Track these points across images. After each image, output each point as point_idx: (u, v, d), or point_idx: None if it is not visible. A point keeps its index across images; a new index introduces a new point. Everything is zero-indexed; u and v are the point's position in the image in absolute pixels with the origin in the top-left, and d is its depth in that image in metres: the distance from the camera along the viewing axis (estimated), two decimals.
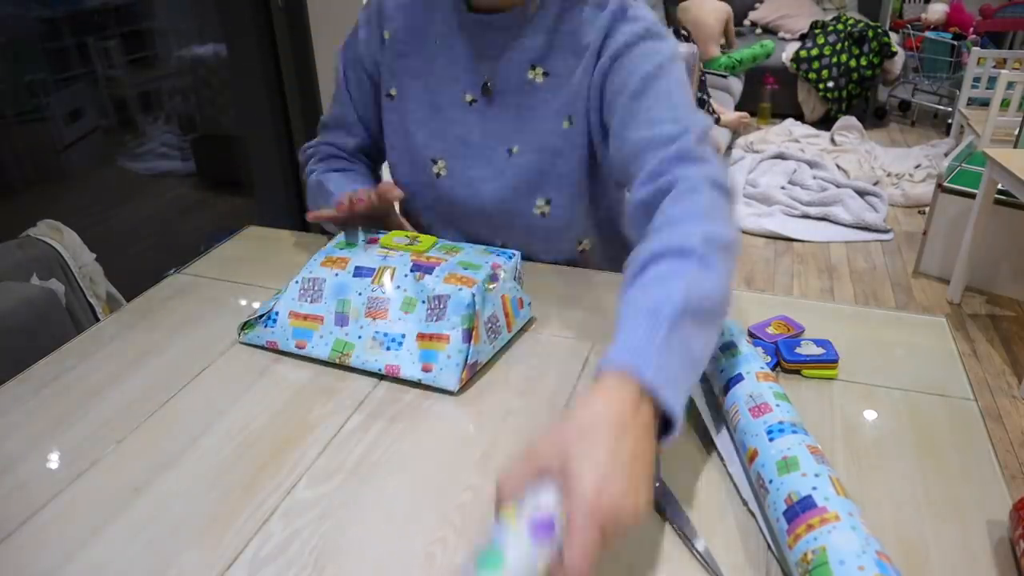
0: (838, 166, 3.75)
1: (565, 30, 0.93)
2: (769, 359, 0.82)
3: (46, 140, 1.68)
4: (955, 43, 4.38)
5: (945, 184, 2.76)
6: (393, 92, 1.02)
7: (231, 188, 2.36)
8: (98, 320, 1.39)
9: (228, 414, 0.76)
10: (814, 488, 0.55)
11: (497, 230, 1.03)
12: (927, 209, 2.93)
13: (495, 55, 0.96)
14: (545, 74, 0.95)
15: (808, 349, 0.81)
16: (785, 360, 0.81)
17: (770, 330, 0.87)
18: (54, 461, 0.71)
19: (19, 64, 1.60)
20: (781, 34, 4.88)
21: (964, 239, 2.57)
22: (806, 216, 3.34)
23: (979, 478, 0.66)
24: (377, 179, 1.15)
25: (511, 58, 0.95)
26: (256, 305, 0.96)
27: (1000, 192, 2.51)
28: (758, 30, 5.06)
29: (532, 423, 0.74)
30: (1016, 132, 2.87)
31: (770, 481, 0.59)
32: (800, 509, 0.55)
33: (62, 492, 0.67)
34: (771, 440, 0.62)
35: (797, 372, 0.81)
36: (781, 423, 0.63)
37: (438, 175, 1.01)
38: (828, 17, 4.75)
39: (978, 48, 3.92)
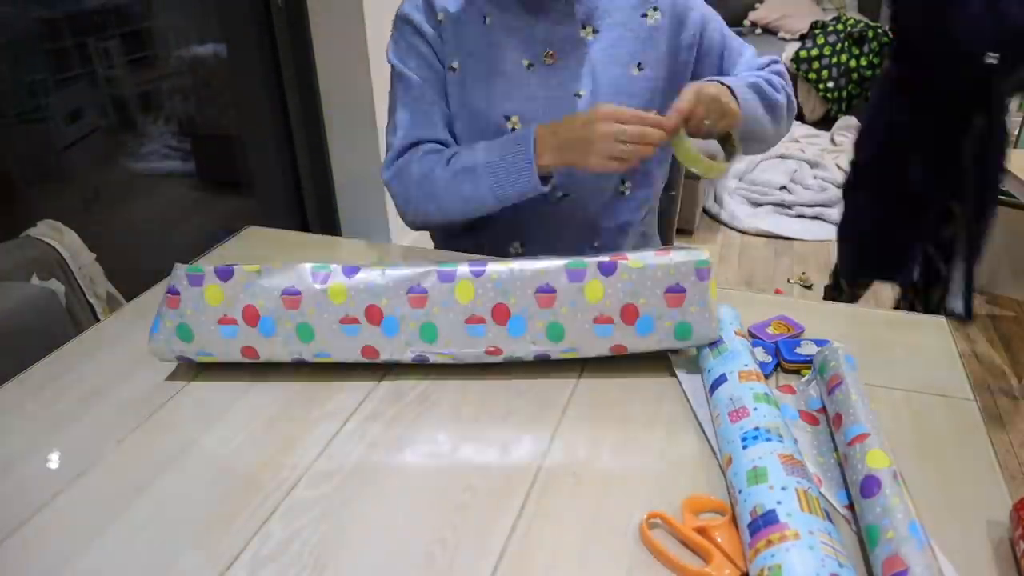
0: (838, 166, 3.75)
1: None
2: (769, 359, 0.82)
3: (46, 140, 1.68)
4: None
5: None
6: (455, 65, 1.05)
7: (231, 188, 2.36)
8: (98, 320, 1.39)
9: (228, 414, 0.76)
10: (779, 502, 0.56)
11: (571, 175, 1.05)
12: None
13: (544, 26, 1.03)
14: (595, 31, 1.04)
15: (808, 349, 0.82)
16: (785, 360, 0.81)
17: (770, 330, 0.87)
18: (54, 461, 0.71)
19: (19, 64, 1.59)
20: (781, 34, 4.88)
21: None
22: (801, 216, 3.34)
23: (979, 478, 0.66)
24: None
25: (562, 25, 1.03)
26: None
27: (1000, 192, 2.50)
28: (758, 30, 5.05)
29: (532, 423, 0.74)
30: (1016, 132, 2.87)
31: (740, 491, 0.60)
32: (763, 523, 0.55)
33: (62, 492, 0.67)
34: (744, 448, 0.62)
35: (797, 372, 0.81)
36: (756, 429, 0.63)
37: (513, 129, 1.03)
38: (828, 17, 4.75)
39: None
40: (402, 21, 1.06)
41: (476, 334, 0.77)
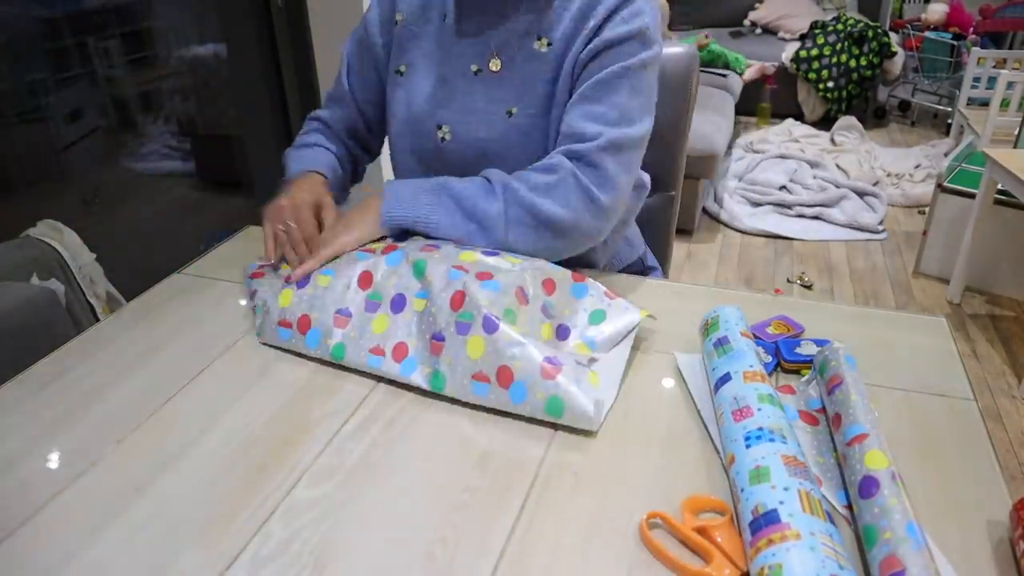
0: (838, 166, 3.75)
1: (571, 3, 0.97)
2: (769, 359, 0.82)
3: (46, 140, 1.68)
4: (955, 43, 4.38)
5: (945, 184, 2.76)
6: (402, 69, 1.05)
7: (231, 188, 2.36)
8: (98, 320, 1.39)
9: (228, 414, 0.76)
10: (781, 502, 0.56)
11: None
12: (927, 209, 2.93)
13: (501, 28, 0.99)
14: (549, 44, 0.98)
15: (808, 349, 0.82)
16: (785, 360, 0.81)
17: (770, 330, 0.87)
18: (54, 461, 0.71)
19: (19, 64, 1.59)
20: (781, 34, 4.88)
21: (964, 239, 2.57)
22: (800, 216, 3.34)
23: (979, 478, 0.66)
24: (351, 166, 1.20)
25: (516, 30, 0.99)
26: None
27: (1000, 192, 2.51)
28: (758, 30, 5.05)
29: (532, 423, 0.74)
30: (1016, 132, 2.87)
31: (742, 489, 0.60)
32: (764, 522, 0.55)
33: (62, 492, 0.67)
34: (747, 447, 0.62)
35: (797, 372, 0.81)
36: (760, 429, 0.63)
37: (443, 139, 1.03)
38: (828, 17, 4.75)
39: (978, 48, 3.92)
40: (361, 21, 1.10)
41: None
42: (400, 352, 0.80)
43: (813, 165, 3.73)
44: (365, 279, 0.86)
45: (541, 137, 1.01)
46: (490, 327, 0.76)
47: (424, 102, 1.04)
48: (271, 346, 0.87)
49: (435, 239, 0.94)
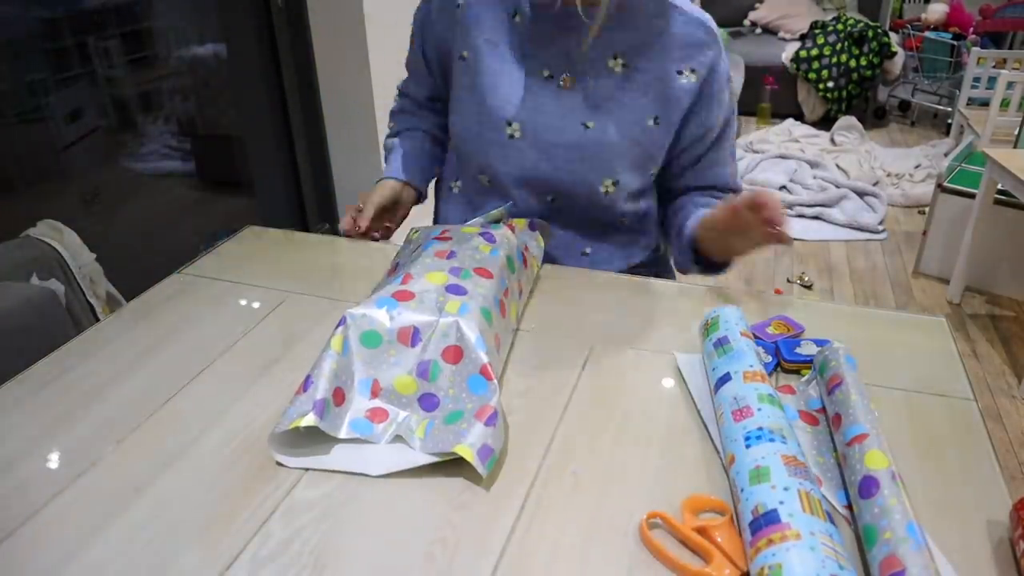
0: (838, 166, 3.75)
1: (655, 34, 0.99)
2: (769, 359, 0.82)
3: (46, 140, 1.68)
4: (955, 43, 4.38)
5: (945, 184, 2.76)
6: (466, 54, 1.04)
7: (231, 188, 2.36)
8: (98, 320, 1.39)
9: (228, 414, 0.76)
10: (781, 502, 0.56)
11: (558, 198, 1.06)
12: (927, 209, 2.93)
13: (576, 39, 0.98)
14: (624, 66, 0.99)
15: (808, 349, 0.82)
16: (785, 360, 0.81)
17: (770, 330, 0.87)
18: (54, 461, 0.71)
19: (19, 64, 1.59)
20: (781, 34, 4.88)
21: (964, 239, 2.57)
22: (801, 216, 3.34)
23: (979, 478, 0.66)
24: (442, 137, 1.22)
25: (592, 44, 0.98)
26: (256, 305, 0.96)
27: (1000, 192, 2.51)
28: (758, 30, 5.05)
29: (532, 423, 0.74)
30: (1016, 132, 2.87)
31: (742, 489, 0.60)
32: (764, 522, 0.55)
33: (62, 492, 0.67)
34: (747, 447, 0.62)
35: (797, 372, 0.81)
36: (760, 429, 0.63)
37: (511, 136, 1.03)
38: (828, 17, 4.75)
39: (978, 48, 3.92)
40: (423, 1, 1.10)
41: None
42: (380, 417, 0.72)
43: (813, 165, 3.73)
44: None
45: (618, 159, 1.02)
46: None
47: (492, 93, 1.02)
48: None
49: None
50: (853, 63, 4.41)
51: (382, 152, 1.23)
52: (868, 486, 0.58)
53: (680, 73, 1.00)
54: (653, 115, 1.01)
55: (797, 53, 4.54)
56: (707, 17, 1.02)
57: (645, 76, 1.00)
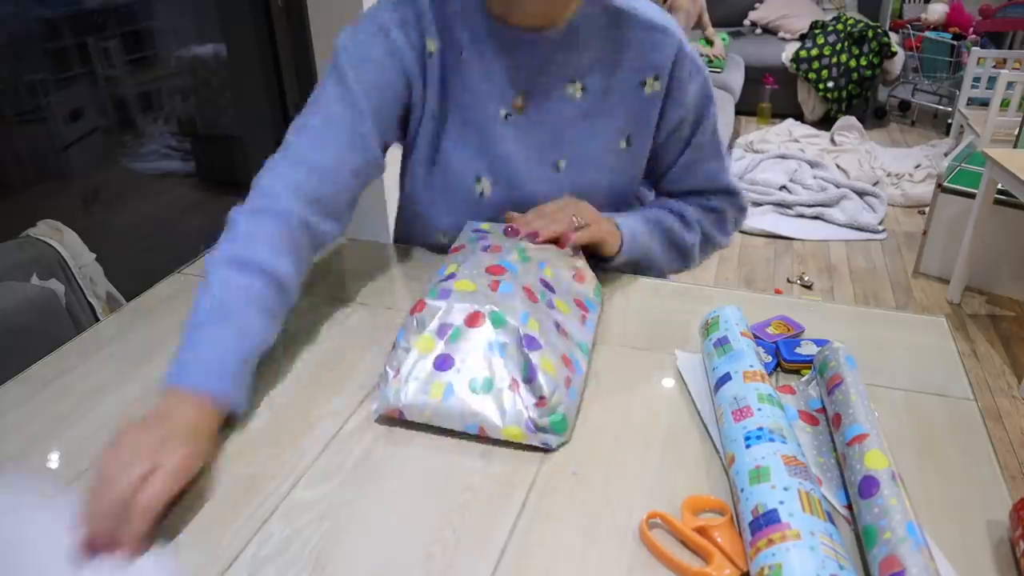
0: (838, 166, 3.75)
1: (611, 48, 0.93)
2: (769, 359, 0.82)
3: (46, 140, 1.68)
4: (955, 43, 4.38)
5: (945, 184, 2.76)
6: (429, 106, 0.95)
7: (231, 188, 2.35)
8: (98, 320, 1.39)
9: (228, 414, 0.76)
10: (781, 502, 0.56)
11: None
12: (927, 209, 2.93)
13: (530, 68, 0.93)
14: (583, 89, 0.94)
15: (808, 349, 0.82)
16: (785, 360, 0.81)
17: (770, 330, 0.87)
18: (54, 461, 0.71)
19: (19, 64, 1.59)
20: (781, 34, 4.88)
21: (964, 239, 2.57)
22: (800, 216, 3.34)
23: (979, 478, 0.66)
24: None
25: (548, 71, 0.93)
26: None
27: (1000, 192, 2.51)
28: (758, 30, 5.05)
29: None
30: (1016, 132, 2.87)
31: (742, 489, 0.60)
32: (764, 522, 0.55)
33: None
34: (747, 447, 0.62)
35: (797, 372, 0.81)
36: (760, 429, 0.63)
37: (482, 194, 0.97)
38: (828, 17, 4.75)
39: (978, 48, 3.92)
40: (370, 27, 0.90)
41: None
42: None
43: (813, 165, 3.73)
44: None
45: (593, 198, 0.95)
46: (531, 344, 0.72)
47: (454, 149, 0.96)
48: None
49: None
50: (853, 63, 4.41)
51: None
52: (868, 486, 0.58)
53: (643, 84, 0.94)
54: (624, 135, 0.97)
55: (797, 53, 4.54)
56: (659, 12, 0.94)
57: (608, 98, 0.94)
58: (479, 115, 0.95)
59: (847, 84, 4.43)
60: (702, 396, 0.76)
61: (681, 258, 1.07)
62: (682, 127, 0.99)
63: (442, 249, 1.00)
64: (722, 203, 1.07)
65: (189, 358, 0.70)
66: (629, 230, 0.96)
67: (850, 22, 4.51)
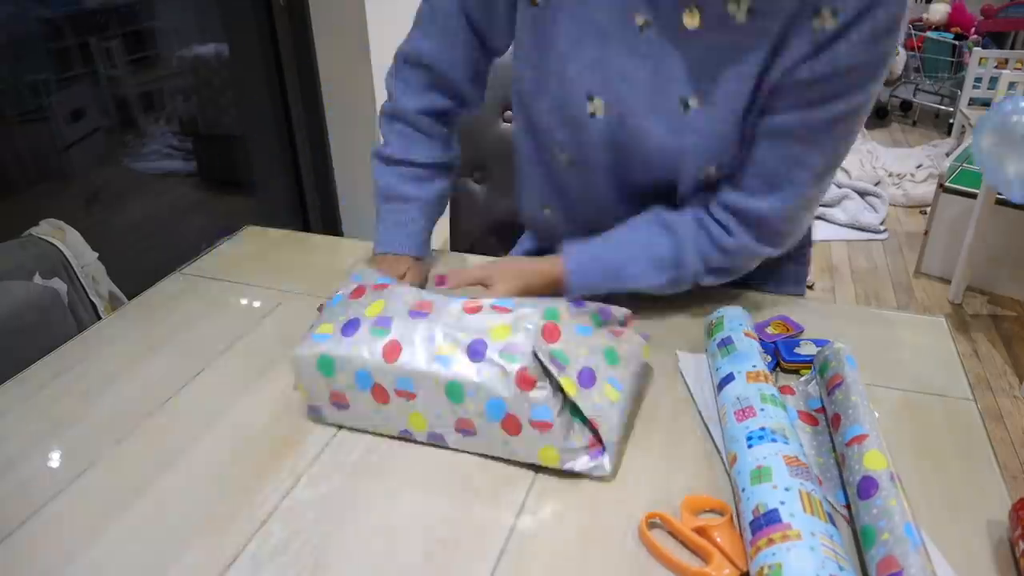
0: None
1: None
2: (768, 359, 0.82)
3: (47, 140, 1.68)
4: (957, 43, 4.37)
5: (946, 184, 2.76)
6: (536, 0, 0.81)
7: (232, 188, 2.36)
8: (100, 319, 1.39)
9: (228, 414, 0.76)
10: (782, 502, 0.56)
11: (640, 191, 0.86)
12: (928, 209, 2.93)
13: None
14: (750, 11, 0.72)
15: (808, 349, 0.82)
16: (784, 360, 0.81)
17: (770, 330, 0.87)
18: (54, 461, 0.71)
19: (19, 64, 1.60)
20: None
21: (965, 239, 2.56)
22: None
23: (979, 478, 0.66)
24: (449, 160, 0.98)
25: None
26: (256, 305, 0.96)
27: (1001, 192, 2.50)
28: None
29: None
30: None
31: (743, 489, 0.60)
32: (764, 522, 0.55)
33: (62, 492, 0.67)
34: (750, 447, 0.62)
35: (796, 372, 0.81)
36: (762, 429, 0.63)
37: (592, 114, 0.82)
38: None
39: (980, 48, 3.91)
40: None
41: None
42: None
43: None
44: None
45: (721, 145, 0.78)
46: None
47: (569, 55, 0.80)
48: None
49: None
50: None
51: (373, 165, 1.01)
52: (867, 487, 0.58)
53: (818, 14, 0.69)
54: (763, 72, 0.74)
55: None
56: None
57: (773, 22, 0.71)
58: (606, 17, 0.78)
59: None
60: (704, 396, 0.76)
61: (668, 287, 0.87)
62: (816, 83, 0.72)
63: (561, 173, 0.92)
64: (744, 244, 0.83)
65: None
66: (580, 272, 0.84)
67: None
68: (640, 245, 0.85)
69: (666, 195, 0.87)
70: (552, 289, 0.83)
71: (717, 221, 0.83)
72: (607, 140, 0.84)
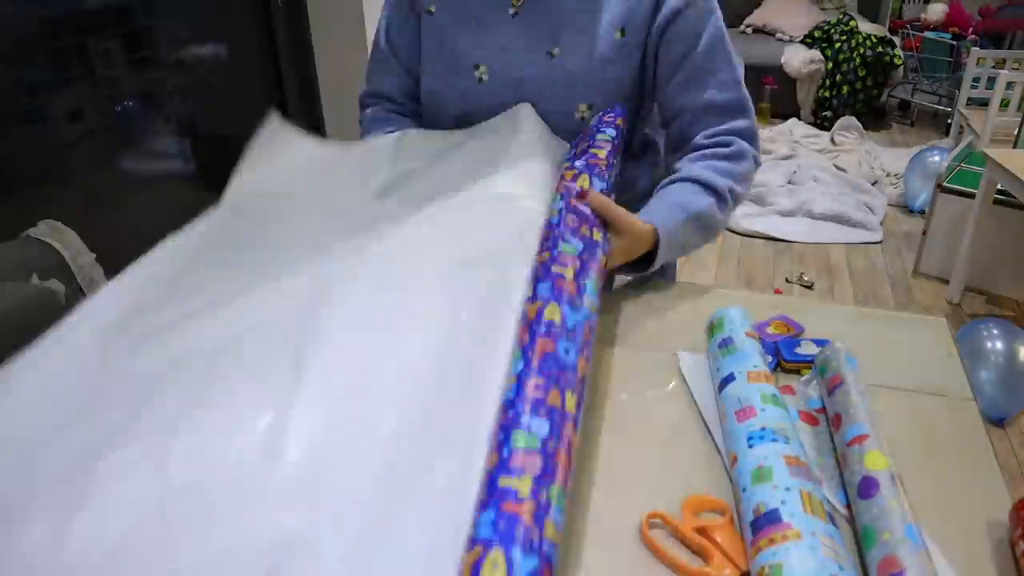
0: (837, 166, 3.75)
1: None
2: (769, 359, 0.82)
3: (46, 140, 1.68)
4: (954, 43, 4.38)
5: (944, 184, 2.76)
6: (432, 8, 1.04)
7: None
8: None
9: None
10: (782, 503, 0.56)
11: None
12: (926, 209, 2.94)
13: None
14: None
15: (808, 349, 0.82)
16: (785, 360, 0.81)
17: (770, 330, 0.87)
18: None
19: (19, 64, 1.59)
20: (779, 35, 4.88)
21: (963, 239, 2.57)
22: (798, 216, 3.34)
23: (979, 478, 0.66)
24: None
25: None
26: None
27: (999, 192, 2.51)
28: (750, 30, 5.05)
29: None
30: (1015, 132, 2.87)
31: (743, 489, 0.60)
32: (765, 522, 0.55)
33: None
34: (750, 447, 0.62)
35: (797, 372, 0.81)
36: (763, 430, 0.63)
37: (480, 80, 1.03)
38: (829, 18, 4.75)
39: (977, 48, 3.92)
40: None
41: None
42: None
43: (813, 166, 3.73)
44: None
45: (587, 84, 0.99)
46: None
47: (458, 40, 1.03)
48: None
49: None
50: (859, 84, 4.42)
51: None
52: (867, 487, 0.58)
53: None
54: (619, 27, 0.97)
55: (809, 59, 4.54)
56: None
57: None
58: (483, 8, 1.02)
59: (853, 102, 4.47)
60: (705, 396, 0.76)
61: (711, 238, 1.00)
62: (678, 22, 0.96)
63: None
64: (741, 145, 0.99)
65: None
66: (665, 233, 0.90)
67: (867, 44, 4.47)
68: (675, 192, 0.96)
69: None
70: (642, 249, 0.90)
71: (705, 148, 0.99)
72: (493, 95, 1.03)
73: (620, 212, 0.85)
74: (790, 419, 0.66)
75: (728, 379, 0.71)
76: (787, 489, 0.57)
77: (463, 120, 1.05)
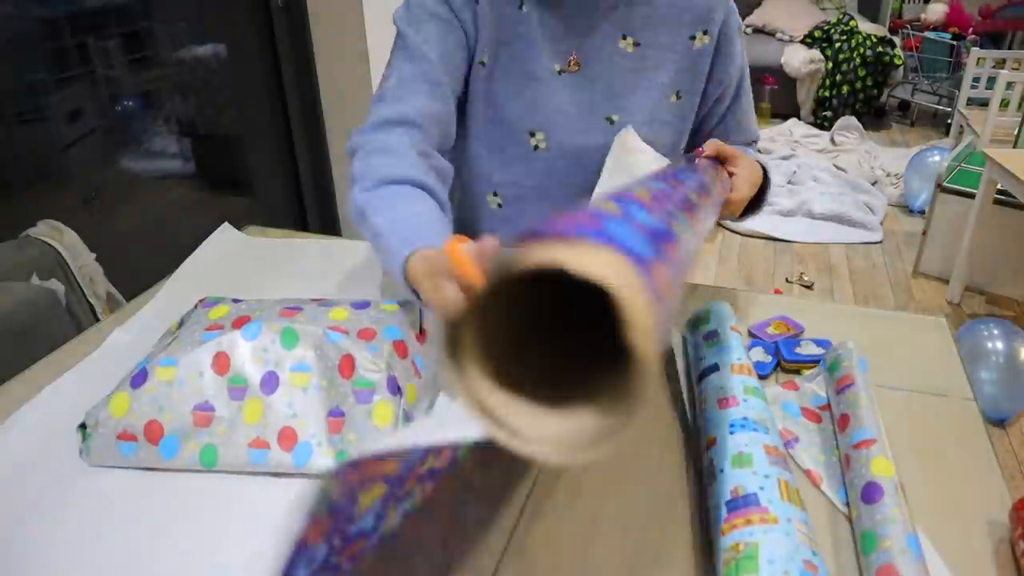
0: (837, 166, 3.75)
1: (662, 3, 0.93)
2: (769, 359, 0.82)
3: (46, 140, 1.68)
4: (954, 43, 4.38)
5: (944, 184, 2.76)
6: (484, 59, 0.93)
7: (231, 188, 2.35)
8: (98, 320, 1.39)
9: None
10: (761, 488, 0.57)
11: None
12: (926, 209, 2.93)
13: (584, 24, 0.93)
14: (636, 44, 0.94)
15: (808, 349, 0.82)
16: (785, 360, 0.81)
17: (770, 330, 0.87)
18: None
19: (19, 64, 1.59)
20: (780, 35, 4.88)
21: (963, 239, 2.57)
22: (798, 216, 3.34)
23: (979, 478, 0.67)
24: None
25: (599, 28, 0.93)
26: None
27: (999, 192, 2.50)
28: (749, 30, 5.05)
29: None
30: (1015, 132, 2.87)
31: (721, 471, 0.61)
32: (743, 503, 0.57)
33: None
34: (731, 433, 0.63)
35: (796, 372, 0.81)
36: (744, 419, 0.64)
37: (536, 148, 0.97)
38: (829, 18, 4.75)
39: (977, 48, 3.92)
40: None
41: None
42: (288, 439, 0.67)
43: (812, 166, 3.73)
44: (220, 362, 0.69)
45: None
46: (394, 389, 0.70)
47: (508, 102, 0.95)
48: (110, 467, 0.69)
49: (297, 301, 0.79)
50: (859, 84, 4.42)
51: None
52: (872, 492, 0.58)
53: (693, 39, 0.95)
54: (675, 90, 0.97)
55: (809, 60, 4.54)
56: None
57: (659, 52, 0.95)
58: (532, 68, 0.94)
59: (853, 102, 4.47)
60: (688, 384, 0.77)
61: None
62: (725, 88, 1.00)
63: (493, 214, 1.02)
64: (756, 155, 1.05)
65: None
66: (764, 163, 0.94)
67: (867, 44, 4.47)
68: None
69: None
70: (757, 176, 0.91)
71: None
72: (550, 167, 0.98)
73: (732, 148, 0.87)
74: (769, 412, 0.66)
75: (711, 368, 0.72)
76: (766, 476, 0.58)
77: (507, 186, 1.00)
